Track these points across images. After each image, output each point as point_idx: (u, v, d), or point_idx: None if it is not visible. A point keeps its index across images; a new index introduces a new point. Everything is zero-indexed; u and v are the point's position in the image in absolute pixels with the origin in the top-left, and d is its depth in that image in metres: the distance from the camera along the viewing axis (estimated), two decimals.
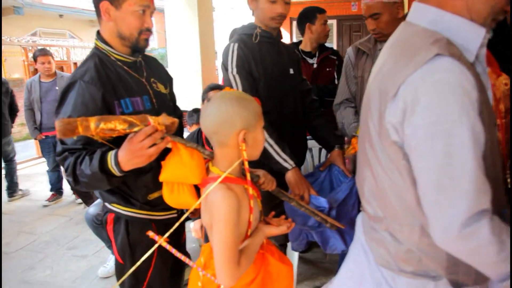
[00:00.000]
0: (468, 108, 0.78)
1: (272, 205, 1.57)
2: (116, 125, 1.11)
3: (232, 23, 5.88)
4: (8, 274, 2.94)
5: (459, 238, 0.78)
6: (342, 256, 2.24)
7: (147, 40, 1.42)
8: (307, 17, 2.87)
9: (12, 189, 4.64)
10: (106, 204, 1.49)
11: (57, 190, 4.53)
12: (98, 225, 2.63)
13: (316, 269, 2.76)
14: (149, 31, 1.40)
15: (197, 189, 1.22)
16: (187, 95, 3.86)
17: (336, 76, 2.95)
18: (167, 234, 1.12)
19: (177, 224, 1.19)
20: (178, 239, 1.67)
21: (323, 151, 2.63)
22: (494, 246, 0.78)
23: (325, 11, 2.92)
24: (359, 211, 1.84)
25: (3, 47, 7.93)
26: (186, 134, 2.38)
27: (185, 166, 1.17)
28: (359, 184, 1.10)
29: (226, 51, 1.79)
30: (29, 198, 4.73)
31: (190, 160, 1.17)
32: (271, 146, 1.69)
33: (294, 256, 2.34)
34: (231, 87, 1.73)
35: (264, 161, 1.64)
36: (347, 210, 1.68)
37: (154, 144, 1.16)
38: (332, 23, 7.93)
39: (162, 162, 1.20)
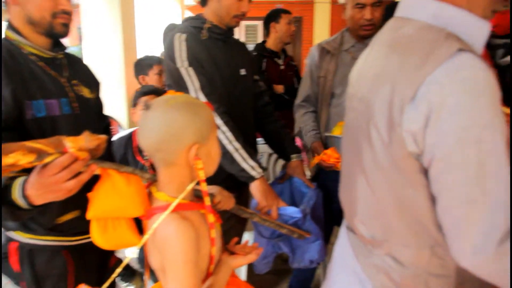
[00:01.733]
0: (498, 109, 0.70)
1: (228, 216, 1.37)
2: (18, 158, 0.79)
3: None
4: None
5: (494, 257, 0.68)
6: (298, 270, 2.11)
7: (65, 26, 1.22)
8: (272, 16, 3.00)
9: None
10: (6, 232, 1.26)
11: None
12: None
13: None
14: (66, 13, 1.21)
15: (138, 222, 0.97)
16: (106, 101, 3.46)
17: (296, 81, 3.10)
18: None
19: (111, 280, 0.91)
20: (104, 263, 1.42)
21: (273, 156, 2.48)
22: None
23: (290, 12, 3.06)
24: (329, 222, 1.75)
25: None
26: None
27: (120, 196, 0.91)
28: (347, 201, 0.97)
29: (171, 41, 1.54)
30: None
31: (126, 187, 0.91)
32: (236, 150, 1.47)
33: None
34: (182, 84, 1.49)
35: (227, 169, 1.47)
36: (318, 218, 1.54)
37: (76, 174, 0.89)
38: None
39: (89, 194, 0.91)
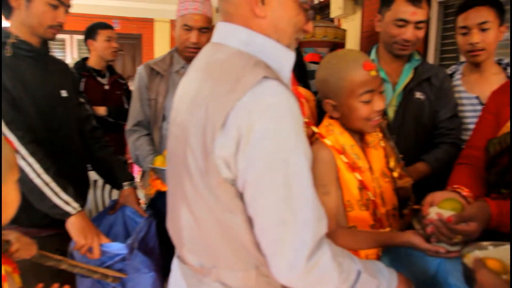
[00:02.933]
0: (300, 132, 0.76)
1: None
2: None
3: None
4: None
5: (306, 271, 0.75)
6: None
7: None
8: (88, 33, 2.75)
9: None
10: None
11: None
12: None
13: None
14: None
15: None
16: None
17: (125, 101, 2.86)
18: None
19: None
20: None
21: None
22: (335, 271, 0.78)
23: (110, 26, 2.78)
24: (167, 251, 1.63)
25: None
26: None
27: None
28: (174, 231, 0.94)
29: None
30: None
31: None
32: (46, 184, 1.28)
33: None
34: None
35: (37, 206, 1.29)
36: (150, 250, 1.44)
37: None
38: None
39: None
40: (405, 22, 1.53)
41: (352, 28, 4.44)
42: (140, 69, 1.90)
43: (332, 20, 4.88)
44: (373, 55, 1.71)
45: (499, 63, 1.71)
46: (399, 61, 1.66)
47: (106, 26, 2.77)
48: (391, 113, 1.63)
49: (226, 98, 0.74)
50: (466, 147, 1.38)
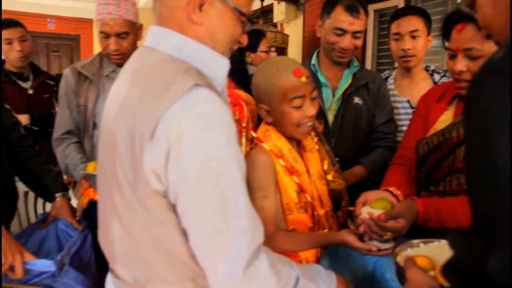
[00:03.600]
0: (233, 142, 0.74)
1: None
2: None
3: None
4: None
5: (244, 281, 0.73)
6: None
7: None
8: None
9: None
10: None
11: None
12: None
13: None
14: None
15: None
16: None
17: (55, 104, 2.48)
18: None
19: None
20: None
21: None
22: (274, 278, 0.77)
23: (14, 23, 2.36)
24: (100, 269, 1.55)
25: None
26: None
27: None
28: (106, 245, 0.89)
29: None
30: None
31: None
32: None
33: None
34: None
35: None
36: (85, 265, 1.34)
37: None
38: None
39: None
40: (343, 31, 1.57)
41: (295, 33, 4.54)
42: (67, 72, 1.75)
43: (275, 25, 4.96)
44: (314, 59, 1.74)
45: (426, 69, 1.83)
46: (339, 67, 1.70)
47: (15, 24, 2.35)
48: (330, 117, 1.68)
49: (155, 107, 0.71)
50: (399, 148, 1.46)
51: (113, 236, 0.84)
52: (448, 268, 0.58)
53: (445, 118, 1.28)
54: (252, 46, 2.41)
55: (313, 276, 0.88)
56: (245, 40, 0.90)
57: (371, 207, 1.10)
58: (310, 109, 1.14)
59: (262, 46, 2.47)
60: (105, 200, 0.86)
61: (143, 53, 0.85)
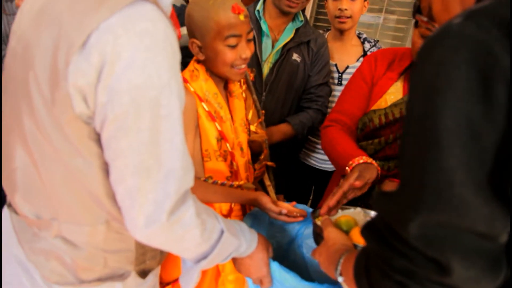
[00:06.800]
0: (176, 70, 0.65)
1: None
2: None
3: None
4: None
5: (166, 226, 0.66)
6: None
7: None
8: None
9: None
10: None
11: None
12: None
13: None
14: None
15: None
16: None
17: None
18: None
19: None
20: None
21: None
22: (198, 228, 0.73)
23: None
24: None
25: None
26: None
27: None
28: (5, 173, 0.78)
29: None
30: None
31: None
32: None
33: None
34: None
35: None
36: None
37: None
38: None
39: None
40: None
41: None
42: None
43: None
44: (259, 5, 1.65)
45: (358, 36, 1.84)
46: (283, 18, 1.63)
47: None
48: (266, 69, 1.61)
49: (89, 15, 0.60)
50: (333, 111, 1.36)
51: (15, 164, 0.74)
52: (368, 228, 0.57)
53: (395, 90, 1.23)
54: None
55: (237, 232, 0.85)
56: None
57: (336, 221, 0.99)
58: (245, 51, 1.07)
59: None
60: (9, 122, 0.74)
61: None
